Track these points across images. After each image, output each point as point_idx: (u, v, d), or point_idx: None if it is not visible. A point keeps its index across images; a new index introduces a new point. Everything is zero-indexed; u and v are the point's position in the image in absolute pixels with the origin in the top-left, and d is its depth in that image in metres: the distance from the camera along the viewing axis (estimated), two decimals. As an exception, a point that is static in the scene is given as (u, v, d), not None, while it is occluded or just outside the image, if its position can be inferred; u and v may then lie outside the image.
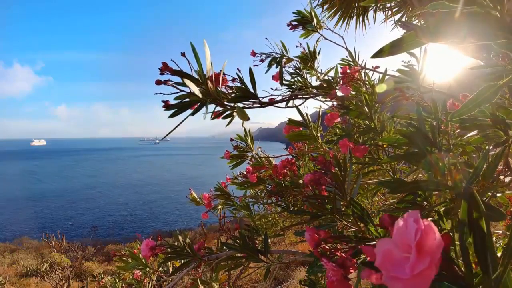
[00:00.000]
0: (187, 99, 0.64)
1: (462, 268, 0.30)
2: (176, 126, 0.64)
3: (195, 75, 0.64)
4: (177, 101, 0.65)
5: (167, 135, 0.65)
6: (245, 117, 0.67)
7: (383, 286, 0.33)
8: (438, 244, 0.25)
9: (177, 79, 0.63)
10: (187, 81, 0.59)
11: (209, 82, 0.64)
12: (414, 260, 0.25)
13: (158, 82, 0.61)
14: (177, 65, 0.62)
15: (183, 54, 0.62)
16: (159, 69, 0.61)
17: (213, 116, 0.72)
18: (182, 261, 1.18)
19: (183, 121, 0.64)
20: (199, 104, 0.65)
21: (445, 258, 0.30)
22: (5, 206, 27.64)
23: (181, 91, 0.63)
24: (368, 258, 0.34)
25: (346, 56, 1.60)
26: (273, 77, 1.43)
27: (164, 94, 0.64)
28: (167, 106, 0.63)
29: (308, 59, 1.64)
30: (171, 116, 0.64)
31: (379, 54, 0.47)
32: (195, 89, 0.60)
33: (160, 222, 23.64)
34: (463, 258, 0.30)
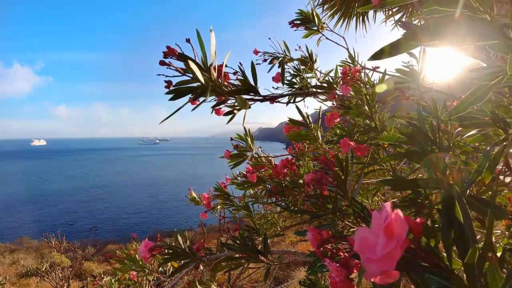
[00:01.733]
0: (189, 84, 0.64)
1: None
2: (178, 110, 0.64)
3: (199, 61, 0.64)
4: (178, 86, 0.65)
5: (167, 118, 0.64)
6: (245, 105, 0.66)
7: (385, 286, 0.33)
8: (404, 229, 0.29)
9: (181, 64, 0.63)
10: (191, 64, 0.59)
11: (212, 70, 0.64)
12: (382, 242, 0.29)
13: (162, 63, 0.61)
14: (181, 50, 0.63)
15: (188, 40, 0.62)
16: (163, 52, 0.61)
17: (213, 106, 0.72)
18: (182, 261, 1.18)
19: (184, 105, 0.64)
20: (200, 90, 0.65)
21: (427, 251, 0.33)
22: (7, 207, 27.60)
23: (184, 75, 0.63)
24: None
25: (346, 58, 1.61)
26: (274, 78, 1.43)
27: (167, 76, 0.64)
28: (169, 87, 0.63)
29: (307, 61, 1.65)
30: (172, 99, 0.64)
31: (378, 55, 0.47)
32: (198, 74, 0.60)
33: (165, 222, 23.57)
34: (445, 249, 0.33)
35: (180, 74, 0.63)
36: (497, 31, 0.36)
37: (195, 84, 0.64)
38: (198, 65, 0.63)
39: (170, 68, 0.62)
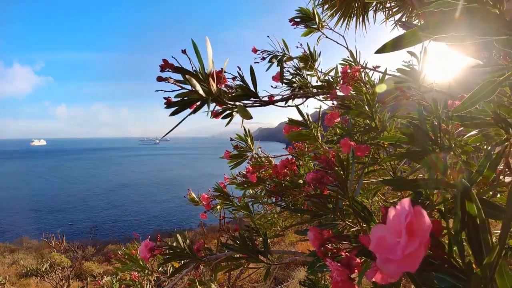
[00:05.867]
0: (189, 97, 0.63)
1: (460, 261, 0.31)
2: (177, 124, 0.63)
3: (196, 72, 0.63)
4: (178, 99, 0.63)
5: (167, 133, 0.64)
6: (247, 116, 0.66)
7: (386, 286, 0.33)
8: (427, 227, 0.27)
9: (178, 76, 0.62)
10: (190, 78, 0.58)
11: (210, 80, 0.63)
12: (404, 242, 0.27)
13: (160, 79, 0.60)
14: (178, 62, 0.61)
15: (184, 51, 0.61)
16: (159, 66, 0.60)
17: (212, 116, 0.72)
18: (182, 261, 1.18)
19: (184, 119, 0.63)
20: (200, 102, 0.64)
21: (442, 251, 0.31)
22: (7, 207, 27.51)
23: (182, 88, 0.62)
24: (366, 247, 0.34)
25: (348, 57, 1.61)
26: (274, 78, 1.43)
27: (165, 91, 0.63)
28: (169, 103, 0.62)
29: (308, 59, 1.64)
30: (172, 114, 0.63)
31: (382, 50, 0.47)
32: (198, 87, 0.59)
33: (171, 221, 23.37)
34: (458, 249, 0.31)
35: (179, 88, 0.63)
36: (507, 26, 0.35)
37: (193, 94, 0.63)
38: (196, 76, 0.63)
39: (169, 82, 0.62)
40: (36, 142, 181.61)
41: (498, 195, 0.68)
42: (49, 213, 26.37)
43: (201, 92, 0.61)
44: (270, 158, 1.53)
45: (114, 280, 2.16)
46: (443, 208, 0.54)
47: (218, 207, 1.77)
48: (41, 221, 23.87)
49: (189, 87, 0.62)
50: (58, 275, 6.20)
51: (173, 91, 0.64)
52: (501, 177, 0.61)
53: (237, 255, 1.12)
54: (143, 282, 1.86)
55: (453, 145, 0.69)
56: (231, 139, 1.56)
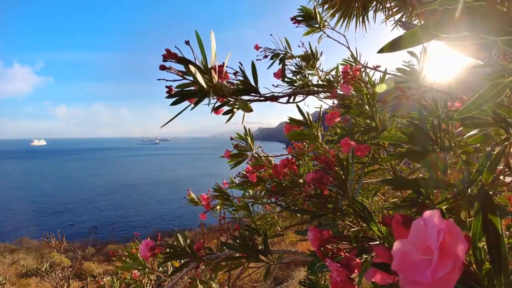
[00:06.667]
0: (190, 88, 0.63)
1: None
2: (179, 113, 0.63)
3: (198, 64, 0.63)
4: (179, 89, 0.64)
5: (170, 121, 0.64)
6: (247, 108, 0.65)
7: (386, 286, 0.32)
8: (463, 247, 0.23)
9: (181, 67, 0.62)
10: (192, 69, 0.58)
11: (213, 72, 0.63)
12: (436, 263, 0.23)
13: (162, 68, 0.59)
14: (181, 53, 0.61)
15: (187, 43, 0.61)
16: (162, 55, 0.60)
17: (214, 108, 0.71)
18: (182, 261, 1.18)
19: (185, 109, 0.63)
20: (201, 94, 0.64)
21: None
22: (7, 207, 27.49)
23: (185, 79, 0.62)
24: (378, 259, 0.32)
25: (348, 57, 1.61)
26: (275, 74, 1.43)
27: (167, 80, 0.62)
28: (170, 92, 0.62)
29: (310, 58, 1.65)
30: (173, 103, 0.63)
31: (381, 51, 0.47)
32: (200, 78, 0.59)
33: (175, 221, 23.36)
34: (475, 259, 0.29)
35: (181, 78, 0.63)
36: (509, 24, 0.34)
37: (194, 87, 0.63)
38: (199, 67, 0.62)
39: (171, 72, 0.61)
40: (36, 142, 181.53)
41: (498, 195, 0.68)
42: (49, 213, 26.35)
43: (202, 83, 0.61)
44: (270, 157, 1.53)
45: (114, 279, 2.16)
46: (443, 208, 0.54)
47: (218, 207, 1.77)
48: (41, 221, 23.86)
49: (191, 78, 0.62)
50: (58, 275, 6.21)
51: (175, 80, 0.64)
52: (501, 177, 0.61)
53: (237, 255, 1.12)
54: (144, 281, 1.86)
55: (453, 144, 0.69)
56: (232, 138, 1.56)
